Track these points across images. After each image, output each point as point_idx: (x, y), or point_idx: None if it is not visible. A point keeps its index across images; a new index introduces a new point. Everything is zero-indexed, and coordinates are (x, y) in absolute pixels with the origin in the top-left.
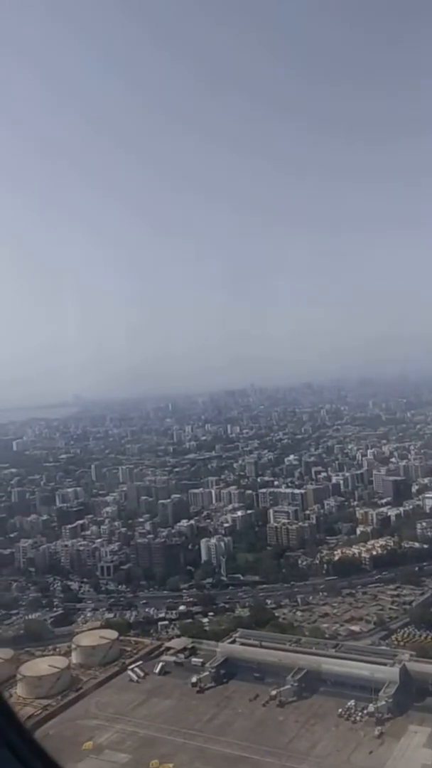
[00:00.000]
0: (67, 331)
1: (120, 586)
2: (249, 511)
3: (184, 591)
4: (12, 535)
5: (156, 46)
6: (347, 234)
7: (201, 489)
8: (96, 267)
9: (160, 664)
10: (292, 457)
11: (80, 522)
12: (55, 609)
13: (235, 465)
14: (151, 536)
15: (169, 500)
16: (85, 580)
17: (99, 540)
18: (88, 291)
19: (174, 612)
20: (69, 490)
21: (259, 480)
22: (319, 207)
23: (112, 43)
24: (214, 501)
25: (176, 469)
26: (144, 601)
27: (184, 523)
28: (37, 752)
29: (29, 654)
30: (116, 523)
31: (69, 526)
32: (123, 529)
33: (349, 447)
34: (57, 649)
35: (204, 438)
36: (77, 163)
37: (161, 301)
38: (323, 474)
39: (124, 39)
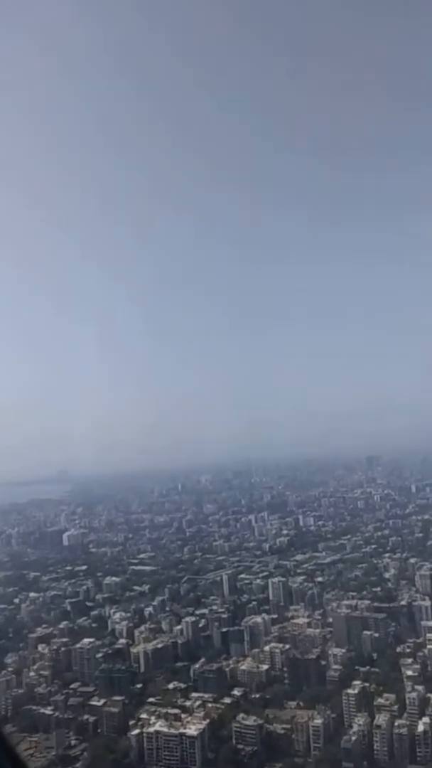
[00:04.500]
0: (51, 406)
1: None
2: None
3: None
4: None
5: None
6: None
7: None
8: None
9: None
10: None
11: (361, 685)
12: None
13: (387, 575)
14: None
15: None
16: None
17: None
18: (75, 363)
19: None
20: (258, 619)
21: None
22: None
23: (113, 121)
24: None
25: (318, 580)
26: None
27: None
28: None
29: None
30: (419, 688)
31: (350, 690)
32: None
33: None
34: None
35: (286, 533)
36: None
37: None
38: None
39: (128, 117)
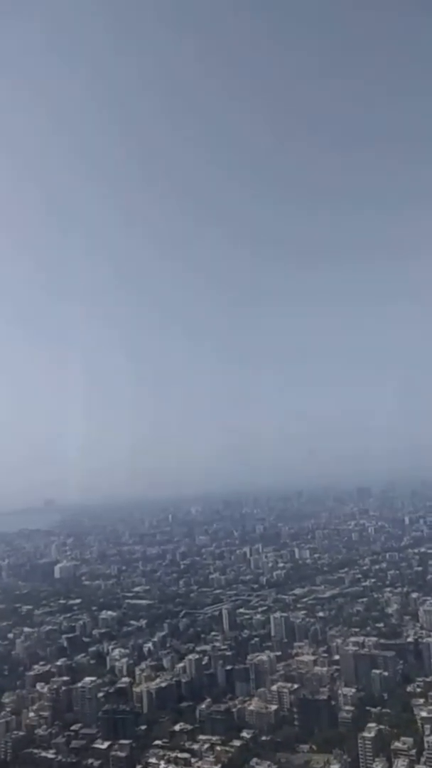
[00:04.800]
0: (37, 435)
1: None
2: None
3: None
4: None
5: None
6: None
7: None
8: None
9: None
10: None
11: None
12: None
13: (389, 610)
14: None
15: None
16: None
17: None
18: (61, 392)
19: None
20: (263, 656)
21: None
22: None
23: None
24: None
25: (319, 615)
26: None
27: None
28: None
29: None
30: None
31: (366, 734)
32: None
33: None
34: None
35: (282, 565)
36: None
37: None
38: None
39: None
